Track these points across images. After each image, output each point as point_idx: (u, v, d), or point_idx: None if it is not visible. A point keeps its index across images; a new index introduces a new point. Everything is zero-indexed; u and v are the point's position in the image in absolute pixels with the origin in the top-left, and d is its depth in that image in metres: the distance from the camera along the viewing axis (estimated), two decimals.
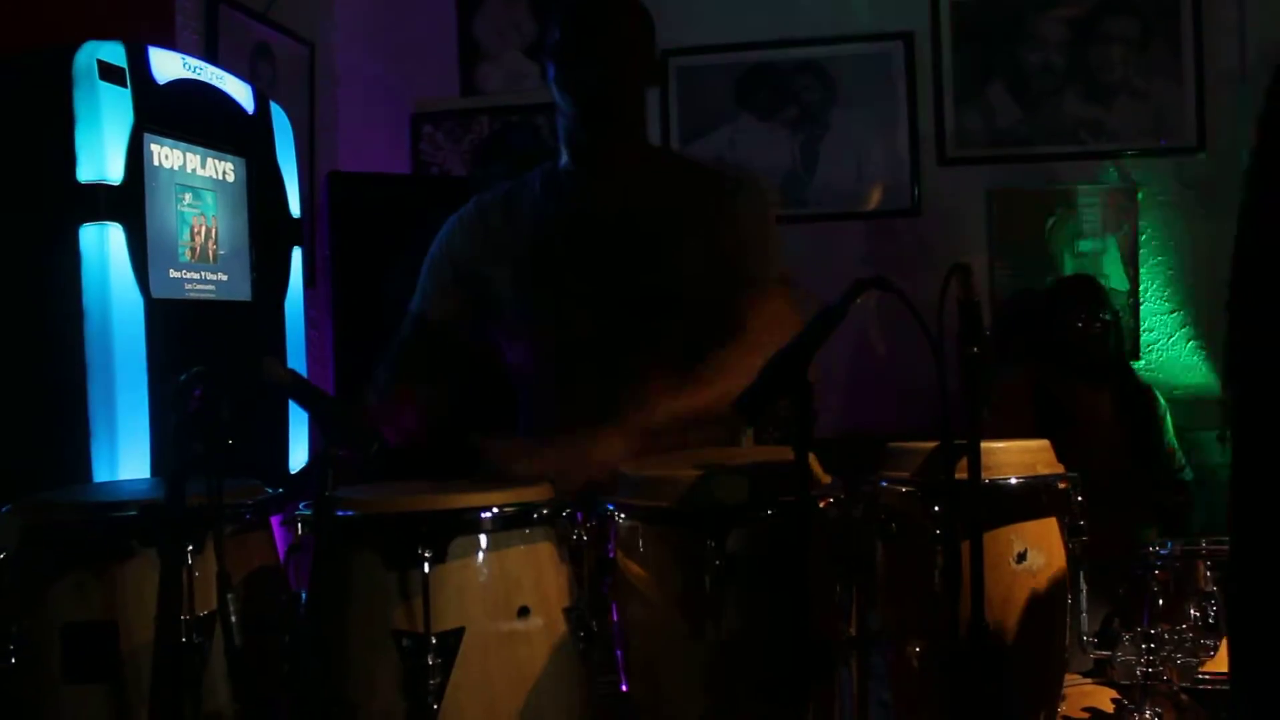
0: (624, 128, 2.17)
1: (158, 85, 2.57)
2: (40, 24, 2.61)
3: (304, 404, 1.44)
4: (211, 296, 2.80)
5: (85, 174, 2.40)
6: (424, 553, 1.39)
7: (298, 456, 3.11)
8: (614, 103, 2.12)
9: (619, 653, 1.56)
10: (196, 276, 2.74)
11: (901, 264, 4.03)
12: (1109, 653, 1.76)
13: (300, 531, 1.52)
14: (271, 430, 3.00)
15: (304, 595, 1.53)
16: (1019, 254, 4.20)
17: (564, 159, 2.21)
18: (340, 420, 1.41)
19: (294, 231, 3.13)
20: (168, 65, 2.61)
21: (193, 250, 2.73)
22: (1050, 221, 4.19)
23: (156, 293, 2.54)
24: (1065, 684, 1.71)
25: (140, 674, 1.47)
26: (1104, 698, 1.83)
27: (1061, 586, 1.64)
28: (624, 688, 1.57)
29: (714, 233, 2.14)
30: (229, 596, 1.34)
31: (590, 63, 2.08)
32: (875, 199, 4.28)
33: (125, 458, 2.44)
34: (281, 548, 1.70)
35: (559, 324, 2.13)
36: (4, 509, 1.64)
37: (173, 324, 2.57)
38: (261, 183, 2.99)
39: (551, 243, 2.16)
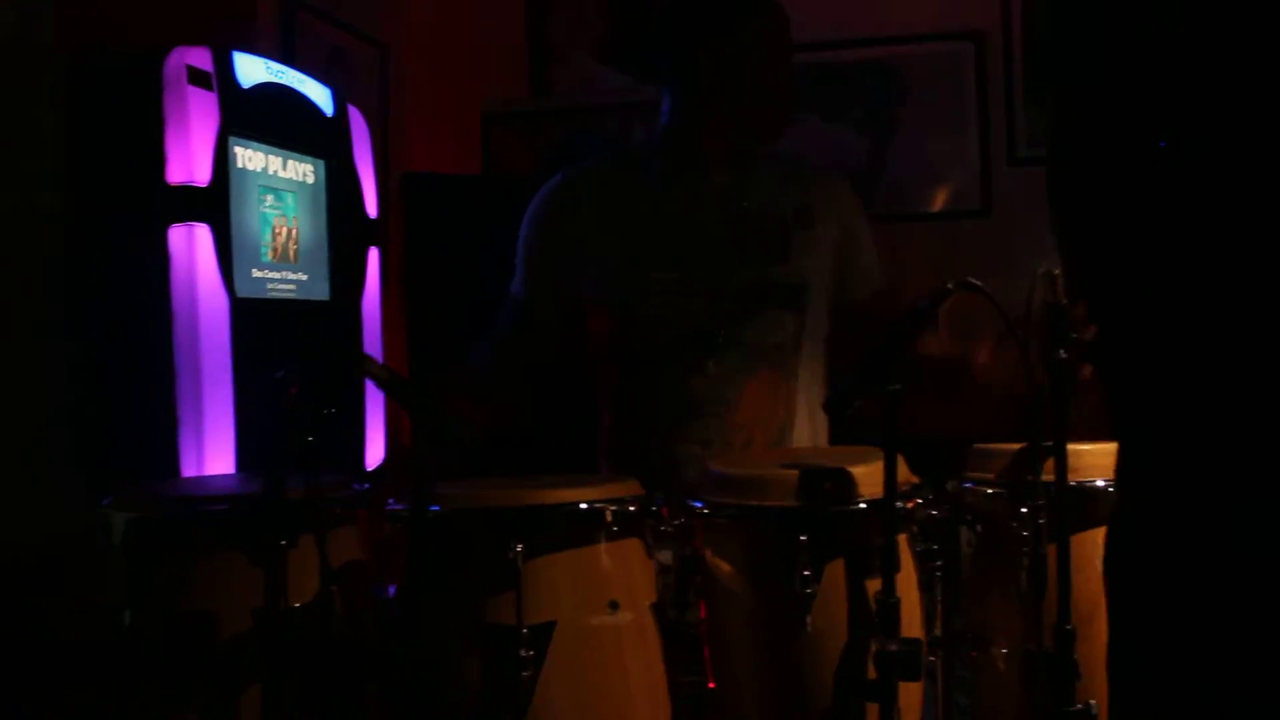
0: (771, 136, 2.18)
1: (242, 89, 2.62)
2: (129, 28, 2.67)
3: (400, 399, 1.47)
4: (291, 296, 2.85)
5: (174, 176, 2.46)
6: (516, 546, 1.41)
7: (374, 453, 3.15)
8: (781, 121, 2.14)
9: (705, 650, 1.58)
10: (277, 276, 2.79)
11: (971, 265, 3.99)
12: None
13: (391, 526, 1.55)
14: (349, 427, 3.05)
15: (393, 589, 1.57)
16: None
17: (663, 147, 2.18)
18: (435, 415, 1.44)
19: (371, 232, 3.17)
20: (252, 69, 2.67)
21: (274, 250, 2.78)
22: None
23: (241, 292, 2.59)
24: None
25: (239, 665, 1.51)
26: None
27: None
28: (710, 685, 1.58)
29: (841, 225, 2.16)
30: (332, 589, 1.37)
31: (753, 70, 2.07)
32: (943, 199, 4.26)
33: (211, 453, 2.49)
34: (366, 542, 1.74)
35: (669, 310, 2.08)
36: (105, 501, 1.69)
37: (255, 323, 2.62)
38: (340, 184, 3.04)
39: (665, 228, 2.11)
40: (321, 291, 2.98)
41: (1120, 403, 1.13)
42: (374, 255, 3.17)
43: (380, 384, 1.42)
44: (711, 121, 2.11)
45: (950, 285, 1.50)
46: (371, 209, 3.17)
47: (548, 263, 2.17)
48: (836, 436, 2.16)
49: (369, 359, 1.45)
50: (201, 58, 2.50)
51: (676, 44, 2.11)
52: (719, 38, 2.06)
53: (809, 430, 2.12)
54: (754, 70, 2.07)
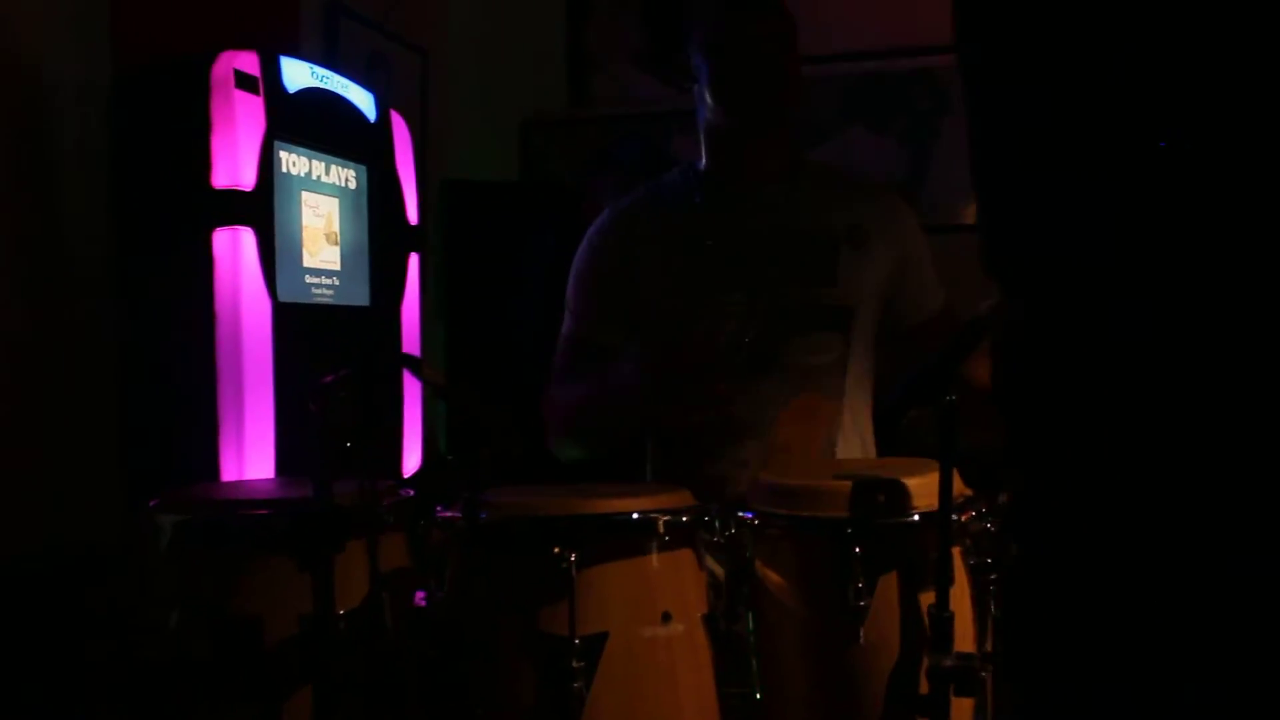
0: (781, 130, 2.14)
1: (288, 94, 2.63)
2: (176, 32, 2.68)
3: (454, 405, 1.46)
4: (331, 301, 2.85)
5: (220, 179, 2.47)
6: (570, 556, 1.40)
7: (411, 460, 3.15)
8: (774, 104, 2.09)
9: (754, 661, 1.56)
10: (318, 281, 2.80)
11: None
12: None
13: (441, 533, 1.54)
14: (387, 433, 3.05)
15: (440, 597, 1.56)
16: None
17: (705, 162, 2.18)
18: (488, 422, 1.43)
19: (412, 238, 3.18)
20: (297, 74, 2.68)
21: (315, 255, 2.78)
22: None
23: (283, 296, 2.60)
24: None
25: (286, 669, 1.51)
26: None
27: None
28: (759, 696, 1.56)
29: (898, 246, 2.14)
30: (384, 595, 1.36)
31: (751, 61, 2.05)
32: None
33: (251, 456, 2.50)
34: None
35: (717, 331, 2.06)
36: (152, 503, 1.69)
37: (297, 327, 2.63)
38: (382, 189, 3.04)
39: (713, 250, 2.10)
40: (362, 296, 2.99)
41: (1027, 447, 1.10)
42: (414, 261, 3.18)
43: (437, 390, 1.41)
44: (733, 120, 2.10)
45: (1006, 298, 1.48)
46: (412, 215, 3.17)
47: (610, 298, 2.15)
48: (884, 449, 2.14)
49: (425, 363, 1.44)
50: (249, 62, 2.51)
51: (691, 46, 2.14)
52: (721, 39, 2.08)
53: (857, 453, 2.10)
54: (753, 67, 2.06)
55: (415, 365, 1.42)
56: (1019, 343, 1.01)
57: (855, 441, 2.11)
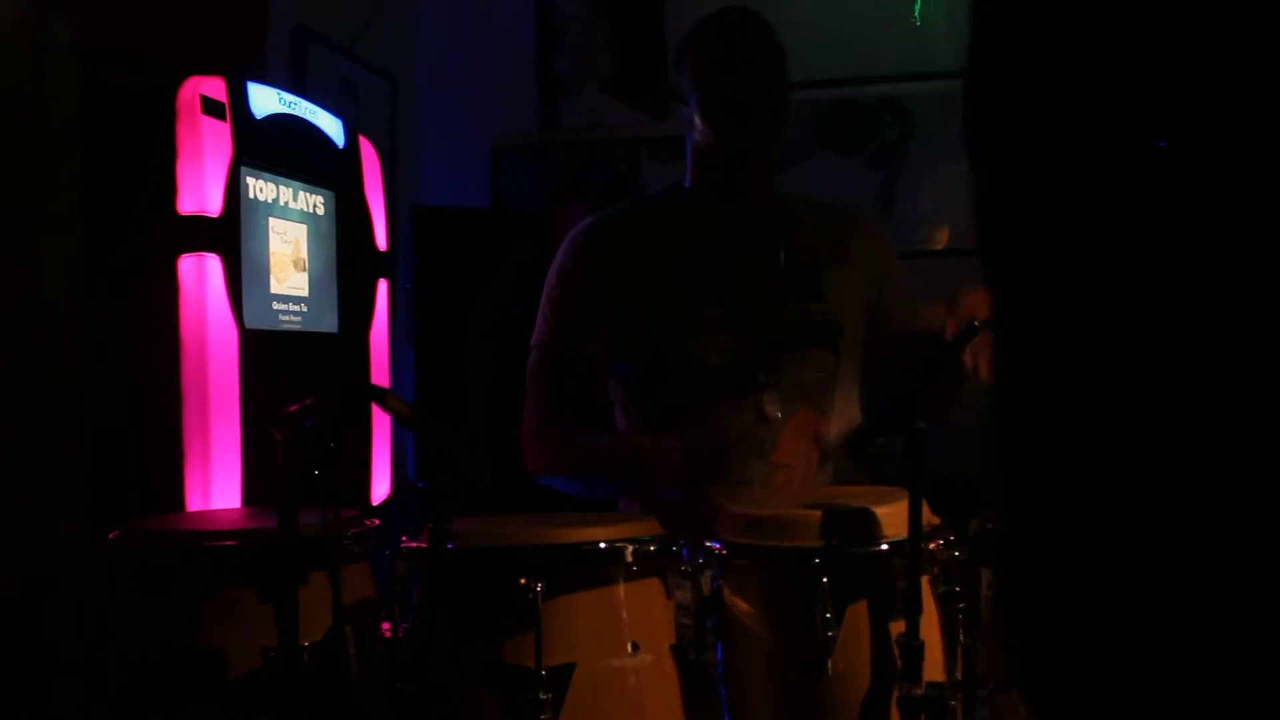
0: (770, 152, 2.18)
1: (255, 119, 2.61)
2: (142, 57, 2.66)
3: (421, 435, 1.45)
4: (299, 328, 2.83)
5: (186, 205, 2.44)
6: (536, 586, 1.38)
7: (380, 488, 3.13)
8: (766, 127, 2.12)
9: (722, 691, 1.55)
10: (286, 308, 2.78)
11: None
12: None
13: (405, 564, 1.53)
14: (354, 462, 3.02)
15: (405, 628, 1.54)
16: None
17: (690, 181, 2.19)
18: (455, 452, 1.42)
19: (380, 264, 3.16)
20: (265, 100, 2.66)
21: (283, 281, 2.76)
22: None
23: (250, 323, 2.57)
24: None
25: (248, 703, 1.49)
26: None
27: None
28: None
29: (874, 264, 2.18)
30: (346, 629, 1.35)
31: (745, 85, 2.08)
32: (955, 236, 4.25)
33: (217, 486, 2.47)
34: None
35: (703, 351, 2.06)
36: (112, 535, 1.67)
37: (264, 354, 2.60)
38: (350, 216, 3.02)
39: (696, 267, 2.10)
40: (330, 323, 2.97)
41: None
42: (383, 287, 3.16)
43: (402, 420, 1.40)
44: (725, 140, 2.12)
45: (976, 323, 1.48)
46: (381, 241, 3.16)
47: (594, 305, 2.12)
48: (860, 475, 2.14)
49: (390, 393, 1.42)
50: (215, 88, 2.49)
51: (684, 68, 2.17)
52: (717, 61, 2.11)
53: (845, 469, 2.11)
54: (747, 87, 2.09)
55: (381, 396, 1.41)
56: (1019, 350, 1.00)
57: (840, 455, 2.11)
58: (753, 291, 2.09)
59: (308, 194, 2.86)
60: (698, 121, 2.13)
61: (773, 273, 2.11)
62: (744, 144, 2.13)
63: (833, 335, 2.12)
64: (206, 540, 1.61)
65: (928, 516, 1.56)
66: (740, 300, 2.08)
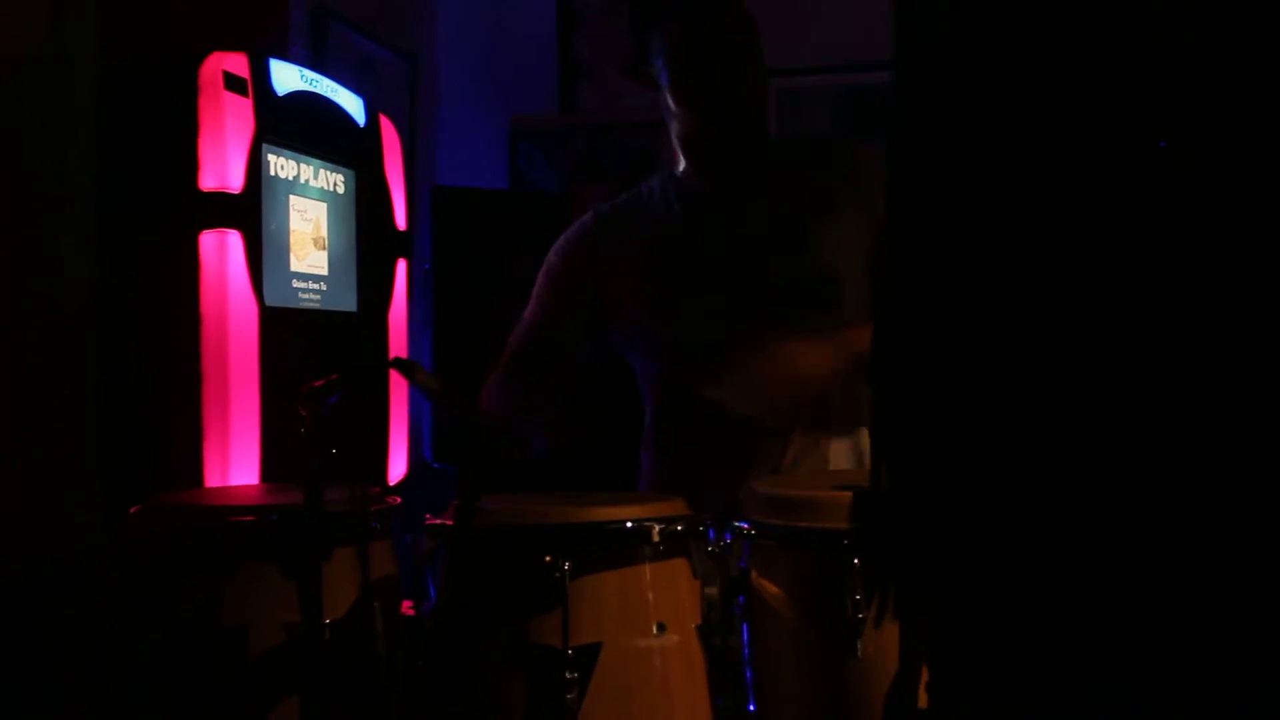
0: (747, 128, 2.13)
1: (277, 96, 2.60)
2: (164, 32, 2.65)
3: (452, 410, 1.43)
4: (319, 306, 2.82)
5: (207, 182, 2.43)
6: (563, 565, 1.37)
7: (396, 467, 3.12)
8: (736, 104, 2.09)
9: (748, 673, 1.54)
10: (305, 286, 2.76)
11: None
12: None
13: (432, 540, 1.51)
14: (372, 440, 3.02)
15: (429, 606, 1.53)
16: None
17: (682, 166, 2.18)
18: (485, 428, 1.41)
19: (399, 244, 3.14)
20: (287, 77, 2.64)
21: (303, 260, 2.75)
22: None
23: (270, 300, 2.56)
24: None
25: (271, 680, 1.48)
26: None
27: None
28: (751, 708, 1.54)
29: (872, 203, 2.04)
30: (375, 604, 1.33)
31: (711, 64, 2.06)
32: None
33: (236, 463, 2.46)
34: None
35: (698, 330, 2.07)
36: (133, 510, 1.65)
37: (283, 332, 2.59)
38: (370, 195, 3.01)
39: (683, 249, 2.11)
40: (349, 302, 2.95)
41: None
42: (402, 267, 3.15)
43: (434, 396, 1.38)
44: (693, 137, 2.12)
45: None
46: (401, 221, 3.14)
47: (577, 300, 2.18)
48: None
49: (419, 367, 1.41)
50: (238, 64, 2.48)
51: (654, 53, 2.16)
52: (675, 37, 2.11)
53: (850, 448, 2.08)
54: (716, 66, 2.07)
55: (409, 370, 1.39)
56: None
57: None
58: (738, 264, 2.07)
59: (328, 172, 2.85)
60: (670, 103, 2.12)
61: (756, 238, 2.08)
62: (714, 123, 2.10)
63: (832, 291, 2.05)
64: (228, 515, 1.59)
65: None
66: (726, 279, 2.07)
